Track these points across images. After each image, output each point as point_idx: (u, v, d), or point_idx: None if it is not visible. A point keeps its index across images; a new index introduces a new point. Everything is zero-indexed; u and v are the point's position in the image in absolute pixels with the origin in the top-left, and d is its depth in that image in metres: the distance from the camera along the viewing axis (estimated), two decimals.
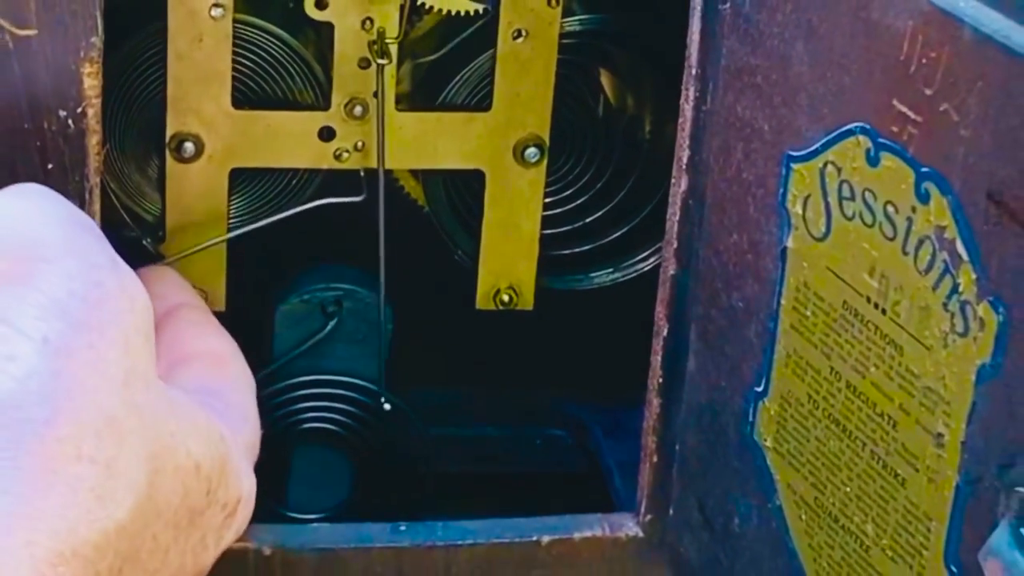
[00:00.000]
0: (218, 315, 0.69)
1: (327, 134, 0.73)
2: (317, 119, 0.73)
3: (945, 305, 0.52)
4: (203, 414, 0.57)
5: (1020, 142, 0.48)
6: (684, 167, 0.64)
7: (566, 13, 0.72)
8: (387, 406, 0.76)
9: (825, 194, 0.56)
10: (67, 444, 0.49)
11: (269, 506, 0.75)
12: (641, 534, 0.70)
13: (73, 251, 0.53)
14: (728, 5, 0.60)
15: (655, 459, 0.68)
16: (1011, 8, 0.50)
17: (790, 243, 0.58)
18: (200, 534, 0.57)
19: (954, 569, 0.54)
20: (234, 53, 0.71)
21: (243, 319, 0.74)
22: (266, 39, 0.72)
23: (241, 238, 0.75)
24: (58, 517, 0.48)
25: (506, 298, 0.77)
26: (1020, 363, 0.50)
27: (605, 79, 0.79)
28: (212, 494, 0.57)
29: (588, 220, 0.79)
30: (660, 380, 0.67)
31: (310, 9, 0.71)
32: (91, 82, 0.60)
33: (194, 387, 0.60)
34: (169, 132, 0.71)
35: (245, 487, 0.59)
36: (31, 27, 0.59)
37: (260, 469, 0.74)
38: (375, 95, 0.72)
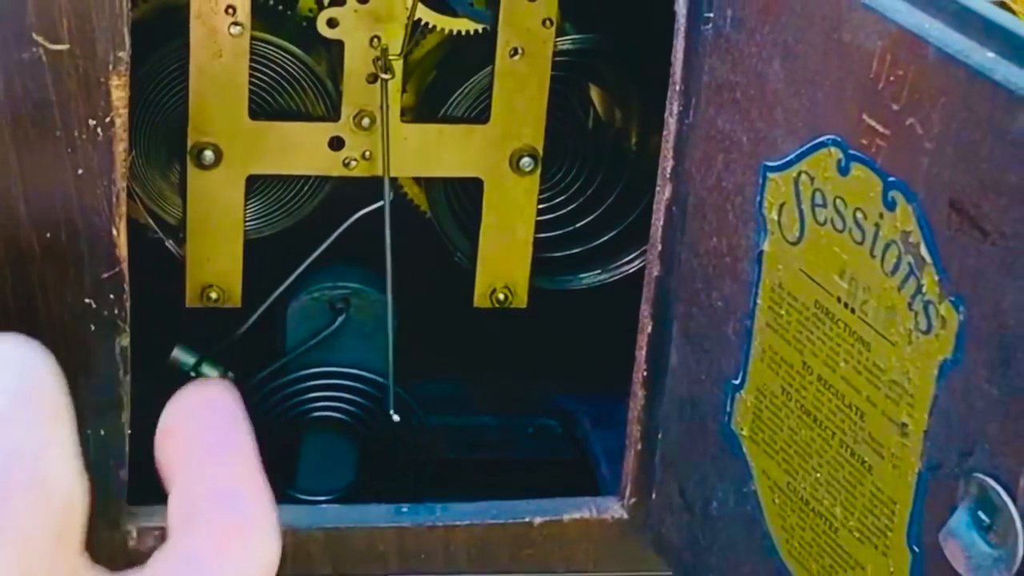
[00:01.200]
0: (234, 311, 0.69)
1: (337, 144, 0.73)
2: (328, 130, 0.73)
3: (910, 305, 0.52)
4: None
5: (979, 154, 0.49)
6: (668, 176, 0.64)
7: (559, 33, 0.72)
8: (396, 417, 0.76)
9: (799, 201, 0.56)
10: None
11: (280, 489, 0.75)
12: (626, 516, 0.70)
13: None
14: (710, 26, 0.60)
15: (639, 447, 0.68)
16: (972, 29, 0.50)
17: (766, 247, 0.58)
18: None
19: (916, 549, 0.54)
20: (251, 68, 0.71)
21: (257, 315, 0.74)
22: (281, 55, 0.72)
23: (255, 241, 0.75)
24: None
25: (502, 297, 0.77)
26: (978, 358, 0.50)
27: (595, 94, 0.79)
28: None
29: (578, 225, 0.80)
30: (644, 374, 0.67)
31: (322, 28, 0.71)
32: (119, 94, 0.60)
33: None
34: (190, 141, 0.71)
35: None
36: (63, 42, 0.59)
37: (271, 454, 0.75)
38: (381, 108, 0.72)
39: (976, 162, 0.49)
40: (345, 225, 0.75)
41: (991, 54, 0.49)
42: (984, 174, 0.48)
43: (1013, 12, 1.41)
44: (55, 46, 0.59)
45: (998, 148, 0.48)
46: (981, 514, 0.50)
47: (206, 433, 0.52)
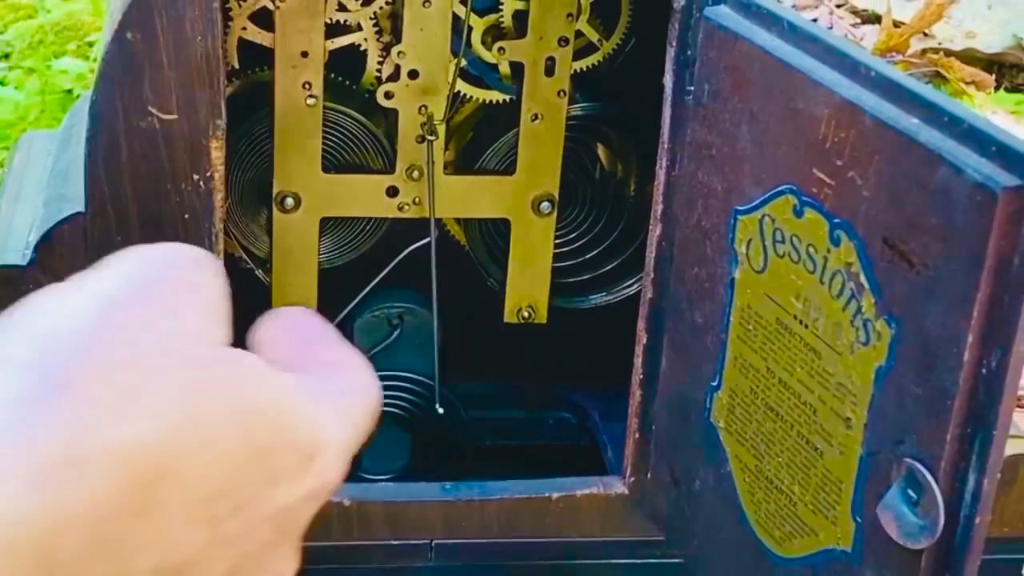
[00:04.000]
0: None
1: (392, 192, 0.73)
2: (385, 180, 0.73)
3: (852, 322, 0.52)
4: (271, 374, 0.50)
5: (907, 201, 0.49)
6: (659, 217, 0.64)
7: (571, 101, 0.72)
8: (440, 410, 0.76)
9: (763, 238, 0.57)
10: (91, 368, 0.44)
11: (348, 469, 0.75)
12: (627, 492, 0.70)
13: (161, 246, 0.49)
14: (691, 97, 0.60)
15: (637, 436, 0.69)
16: (901, 100, 0.50)
17: (737, 275, 0.59)
18: (268, 471, 0.48)
19: (859, 519, 0.54)
20: (323, 131, 0.71)
21: None
22: (348, 121, 0.72)
23: (328, 270, 0.75)
24: (65, 426, 0.43)
25: (526, 314, 0.77)
26: (907, 365, 0.50)
27: (601, 151, 0.79)
28: (280, 434, 0.49)
29: (587, 256, 0.79)
30: (641, 376, 0.67)
31: (380, 99, 0.71)
32: (217, 153, 0.60)
33: (297, 375, 0.53)
34: (275, 190, 0.71)
35: (328, 435, 0.51)
36: (173, 113, 0.60)
37: None
38: (428, 163, 0.72)
39: (904, 207, 0.49)
40: (400, 257, 0.75)
41: (916, 120, 0.49)
42: (910, 217, 0.49)
43: (948, 79, 1.40)
44: (166, 116, 0.59)
45: (922, 197, 0.48)
46: (910, 491, 0.50)
47: (309, 323, 0.55)
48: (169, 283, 0.48)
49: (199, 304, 0.49)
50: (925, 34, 1.41)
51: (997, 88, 1.34)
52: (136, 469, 0.44)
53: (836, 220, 0.52)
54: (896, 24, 1.40)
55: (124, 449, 0.43)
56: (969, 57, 1.38)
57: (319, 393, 0.53)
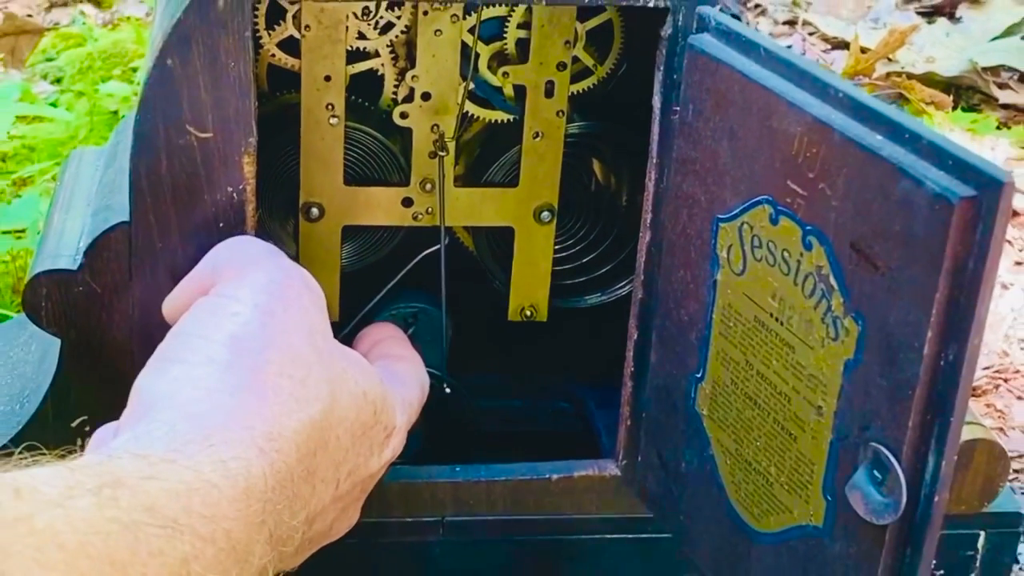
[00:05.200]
0: (334, 324, 0.69)
1: (407, 202, 0.73)
2: (401, 192, 0.72)
3: (822, 319, 0.52)
4: (371, 368, 0.58)
5: (871, 210, 0.49)
6: (648, 225, 0.64)
7: (569, 120, 0.72)
8: (448, 389, 0.76)
9: (742, 244, 0.57)
10: (271, 366, 0.51)
11: None
12: (619, 473, 0.70)
13: (273, 263, 0.56)
14: (677, 116, 0.60)
15: (628, 423, 0.68)
16: (866, 119, 0.50)
17: (718, 277, 0.58)
18: (368, 444, 0.57)
19: (829, 498, 0.54)
20: (345, 148, 0.71)
21: (350, 328, 0.74)
22: (367, 138, 0.72)
23: (349, 274, 0.75)
24: (268, 410, 0.50)
25: (528, 313, 0.76)
26: (872, 359, 0.50)
27: (596, 166, 0.79)
28: (377, 415, 0.57)
29: (584, 261, 0.79)
30: (632, 369, 0.67)
31: (396, 118, 0.71)
32: (249, 168, 0.60)
33: (373, 363, 0.60)
34: (301, 201, 0.71)
35: (399, 420, 0.59)
36: (209, 131, 0.60)
37: None
38: (439, 176, 0.72)
39: (870, 216, 0.49)
40: (414, 262, 0.74)
41: (880, 137, 0.49)
42: (875, 224, 0.49)
43: (910, 100, 1.40)
44: (203, 134, 0.59)
45: (885, 206, 0.48)
46: (876, 472, 0.51)
47: (385, 327, 0.67)
48: (295, 292, 0.55)
49: (317, 306, 0.56)
50: (889, 59, 1.41)
51: (954, 108, 1.34)
52: (309, 442, 0.51)
53: (808, 227, 0.52)
54: (863, 50, 1.40)
55: (303, 427, 0.51)
56: (929, 80, 1.37)
57: (394, 384, 0.60)
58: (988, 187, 0.45)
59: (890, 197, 0.48)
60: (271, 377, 0.51)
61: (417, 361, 0.66)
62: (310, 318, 0.54)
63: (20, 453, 0.44)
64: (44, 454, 0.47)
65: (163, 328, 0.58)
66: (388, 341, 0.66)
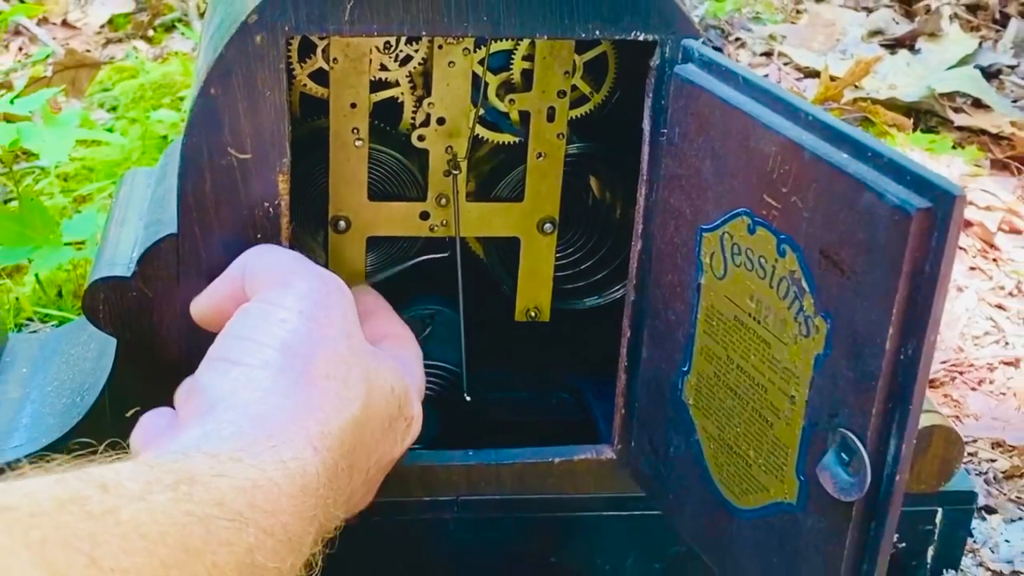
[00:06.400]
0: None
1: (425, 215, 0.73)
2: (419, 206, 0.72)
3: (795, 318, 0.52)
4: (392, 362, 0.58)
5: (838, 221, 0.49)
6: (639, 235, 0.64)
7: (568, 142, 0.72)
8: (468, 398, 0.75)
9: (723, 251, 0.56)
10: (319, 368, 0.51)
11: None
12: (615, 457, 0.70)
13: (305, 268, 0.56)
14: (664, 138, 0.60)
15: (623, 412, 0.68)
16: (833, 139, 0.50)
17: (702, 281, 0.58)
18: (393, 435, 0.57)
19: (802, 478, 0.54)
20: (369, 167, 0.71)
21: None
22: (388, 158, 0.72)
23: (372, 279, 0.75)
24: (320, 411, 0.50)
25: (533, 314, 0.76)
26: (840, 353, 0.50)
27: (593, 182, 0.79)
28: (400, 408, 0.57)
29: (582, 267, 0.79)
30: (625, 363, 0.67)
31: (415, 141, 0.71)
32: (283, 185, 0.60)
33: (386, 352, 0.60)
34: (330, 214, 0.71)
35: (416, 410, 0.60)
36: (247, 152, 0.60)
37: None
38: (453, 192, 0.72)
39: (837, 225, 0.49)
40: (416, 260, 0.74)
41: (845, 155, 0.49)
42: (841, 233, 0.49)
43: (874, 123, 1.39)
44: (242, 155, 0.59)
45: (851, 217, 0.48)
46: (843, 455, 0.51)
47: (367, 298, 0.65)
48: (334, 299, 0.55)
49: (351, 309, 0.56)
50: (856, 86, 1.40)
51: (914, 130, 1.34)
52: (352, 438, 0.51)
53: (782, 236, 0.52)
54: (832, 78, 1.40)
55: (348, 424, 0.51)
56: (891, 105, 1.37)
57: (408, 374, 0.60)
58: (942, 200, 0.45)
59: (855, 209, 0.48)
60: (319, 380, 0.51)
61: (411, 337, 0.65)
62: (347, 322, 0.54)
63: (71, 446, 0.45)
64: (93, 446, 0.47)
65: (207, 329, 0.58)
66: (380, 314, 0.66)
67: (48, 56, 1.35)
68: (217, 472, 0.44)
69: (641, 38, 0.59)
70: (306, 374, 0.51)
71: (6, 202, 1.12)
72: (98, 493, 0.39)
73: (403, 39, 0.69)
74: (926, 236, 0.45)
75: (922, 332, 0.46)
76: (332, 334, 0.53)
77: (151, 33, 1.47)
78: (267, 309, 0.53)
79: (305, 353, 0.51)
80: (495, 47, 0.70)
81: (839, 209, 0.48)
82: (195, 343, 0.59)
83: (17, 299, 1.00)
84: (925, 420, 0.71)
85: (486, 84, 0.71)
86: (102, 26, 1.48)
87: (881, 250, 0.47)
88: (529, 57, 0.70)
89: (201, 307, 0.59)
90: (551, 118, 0.71)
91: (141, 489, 0.40)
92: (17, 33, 1.44)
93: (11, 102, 1.04)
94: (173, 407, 0.54)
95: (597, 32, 0.59)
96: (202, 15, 1.47)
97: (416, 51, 0.70)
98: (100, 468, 0.41)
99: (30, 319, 0.99)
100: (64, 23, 1.48)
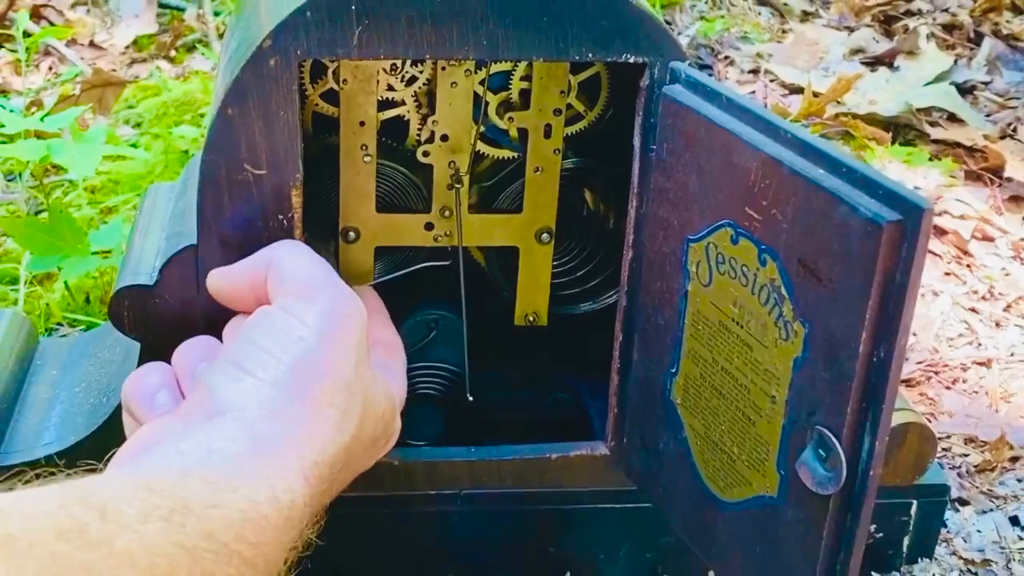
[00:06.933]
0: None
1: (429, 227, 0.73)
2: (424, 218, 0.73)
3: (776, 323, 0.52)
4: (385, 383, 0.57)
5: (815, 232, 0.49)
6: (630, 245, 0.64)
7: (564, 157, 0.72)
8: (471, 397, 0.75)
9: (709, 260, 0.57)
10: (326, 395, 0.50)
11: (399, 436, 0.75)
12: (608, 453, 0.70)
13: (331, 283, 0.54)
14: (653, 153, 0.60)
15: (616, 411, 0.68)
16: (811, 156, 0.50)
17: (689, 288, 0.59)
18: (374, 451, 0.57)
19: (782, 472, 0.54)
20: (377, 181, 0.71)
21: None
22: (395, 172, 0.72)
23: (379, 286, 0.74)
24: (317, 440, 0.49)
25: (531, 319, 0.76)
26: (817, 356, 0.50)
27: (587, 194, 0.79)
28: (386, 428, 0.57)
29: (578, 275, 0.79)
30: (618, 365, 0.67)
31: (420, 156, 0.71)
32: (296, 199, 0.61)
33: (377, 363, 0.58)
34: (341, 225, 0.71)
35: (397, 425, 0.59)
36: (263, 168, 0.60)
37: None
38: (456, 204, 0.72)
39: (814, 237, 0.49)
40: (417, 267, 0.74)
41: (822, 171, 0.49)
42: (818, 244, 0.49)
43: (855, 136, 1.40)
44: (258, 171, 0.60)
45: (827, 229, 0.48)
46: (821, 451, 0.51)
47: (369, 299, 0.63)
48: (352, 322, 0.53)
49: (363, 331, 0.54)
50: (838, 102, 1.41)
51: (892, 143, 1.34)
52: (338, 463, 0.50)
53: (763, 246, 0.52)
54: (816, 94, 1.40)
55: (339, 451, 0.50)
56: (871, 119, 1.37)
57: (392, 384, 0.59)
58: (912, 212, 0.45)
59: (830, 221, 0.48)
60: (323, 407, 0.50)
61: (400, 346, 0.64)
62: (359, 346, 0.53)
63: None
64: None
65: (215, 298, 0.57)
66: (376, 319, 0.64)
67: (77, 75, 1.36)
68: (212, 503, 0.43)
69: (631, 60, 0.59)
70: (313, 400, 0.49)
71: (37, 213, 1.12)
72: (96, 520, 0.39)
73: (408, 61, 0.69)
74: (896, 247, 0.46)
75: (893, 336, 0.47)
76: (343, 359, 0.51)
77: (173, 53, 1.48)
78: (288, 322, 0.51)
79: (315, 377, 0.50)
80: (495, 68, 0.70)
81: (816, 221, 0.49)
82: None
83: (47, 305, 1.00)
84: (900, 418, 0.71)
85: (486, 103, 0.71)
86: (127, 47, 1.49)
87: (855, 260, 0.47)
88: (527, 78, 0.70)
89: (218, 283, 0.57)
90: (548, 135, 0.71)
91: (137, 516, 0.40)
92: (47, 54, 1.45)
93: (42, 119, 1.04)
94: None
95: (590, 55, 0.59)
96: (221, 36, 1.48)
97: (421, 72, 0.70)
98: (101, 490, 0.41)
99: (60, 324, 0.99)
100: (91, 44, 1.48)
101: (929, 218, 0.45)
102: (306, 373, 0.50)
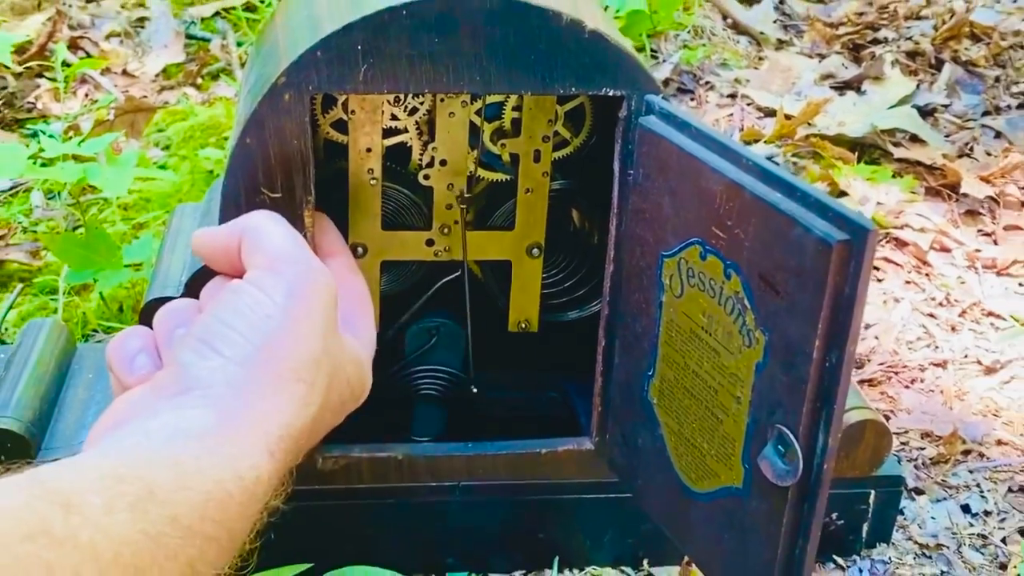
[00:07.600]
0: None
1: (430, 243, 0.73)
2: (425, 235, 0.73)
3: (740, 331, 0.53)
4: (352, 348, 0.53)
5: (774, 250, 0.50)
6: (611, 259, 0.65)
7: (552, 180, 0.73)
8: (474, 389, 0.76)
9: (681, 274, 0.57)
10: (293, 372, 0.47)
11: (401, 434, 0.75)
12: (593, 448, 0.70)
13: (301, 257, 0.50)
14: (631, 177, 0.61)
15: (599, 409, 0.69)
16: (770, 181, 0.51)
17: (663, 299, 0.59)
18: (343, 411, 0.53)
19: (747, 466, 0.54)
20: (382, 201, 0.71)
21: (388, 337, 0.75)
22: (399, 194, 0.73)
23: (387, 296, 0.75)
24: (283, 414, 0.46)
25: (523, 325, 0.77)
26: (776, 362, 0.51)
27: (573, 213, 0.79)
28: (353, 393, 0.53)
29: (565, 286, 0.79)
30: (601, 368, 0.68)
31: (421, 179, 0.72)
32: (309, 220, 0.61)
33: (344, 322, 0.54)
34: (350, 242, 0.71)
35: (367, 383, 0.55)
36: (278, 192, 0.60)
37: (398, 415, 0.75)
38: (455, 222, 0.73)
39: (772, 254, 0.50)
40: (436, 286, 0.75)
41: (779, 195, 0.50)
42: (776, 260, 0.50)
43: (823, 156, 1.41)
44: (273, 195, 0.60)
45: (783, 247, 0.49)
46: (780, 447, 0.51)
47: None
48: (318, 294, 0.49)
49: (332, 302, 0.50)
50: (809, 124, 1.41)
51: (858, 162, 1.35)
52: (304, 434, 0.47)
53: (728, 262, 0.53)
54: (787, 117, 1.41)
55: (305, 425, 0.47)
56: (839, 140, 1.38)
57: (362, 344, 0.55)
58: (858, 233, 0.46)
59: (787, 240, 0.49)
60: (289, 383, 0.47)
61: (364, 289, 0.59)
62: (326, 317, 0.49)
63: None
64: None
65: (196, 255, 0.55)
66: (339, 260, 0.61)
67: (111, 102, 1.37)
68: (177, 486, 0.41)
69: (611, 94, 0.60)
70: (279, 377, 0.46)
71: (74, 229, 1.14)
72: (61, 516, 0.37)
73: (410, 93, 0.69)
74: (845, 263, 0.46)
75: (843, 343, 0.47)
76: (310, 334, 0.48)
77: (199, 81, 1.49)
78: (256, 298, 0.48)
79: (282, 356, 0.46)
80: (488, 100, 0.71)
81: (774, 240, 0.49)
82: None
83: (84, 314, 1.01)
84: (858, 415, 0.72)
85: (482, 131, 0.72)
86: (157, 75, 1.50)
87: (809, 275, 0.48)
88: (518, 108, 0.71)
89: (200, 242, 0.54)
90: (537, 159, 0.72)
91: (102, 507, 0.38)
92: (84, 82, 1.46)
93: (79, 144, 1.06)
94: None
95: (573, 88, 0.60)
96: (243, 65, 1.49)
97: (422, 103, 0.71)
98: (69, 480, 0.39)
99: (95, 331, 1.00)
100: (124, 72, 1.50)
101: (874, 239, 0.46)
102: (273, 351, 0.46)
